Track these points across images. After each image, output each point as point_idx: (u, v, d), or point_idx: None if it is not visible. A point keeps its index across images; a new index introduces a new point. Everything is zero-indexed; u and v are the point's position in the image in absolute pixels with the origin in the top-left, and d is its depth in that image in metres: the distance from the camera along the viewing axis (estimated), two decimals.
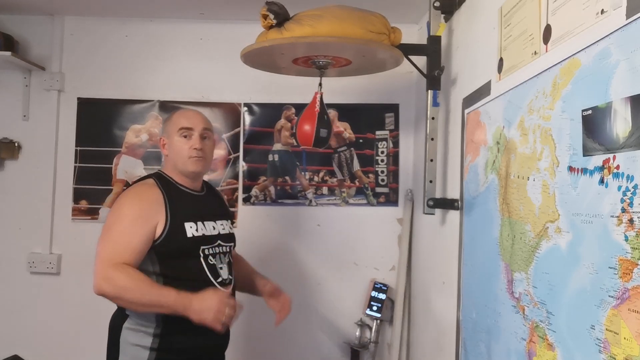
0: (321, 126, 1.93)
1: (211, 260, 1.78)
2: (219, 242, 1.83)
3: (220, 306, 1.63)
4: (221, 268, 1.80)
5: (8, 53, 2.43)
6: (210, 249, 1.79)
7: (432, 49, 1.91)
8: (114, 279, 1.62)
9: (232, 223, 2.00)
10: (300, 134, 1.96)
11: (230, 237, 1.90)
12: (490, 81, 1.56)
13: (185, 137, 1.80)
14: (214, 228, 1.84)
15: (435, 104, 1.90)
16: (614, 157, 0.92)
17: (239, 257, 2.08)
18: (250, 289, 2.02)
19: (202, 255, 1.76)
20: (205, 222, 1.81)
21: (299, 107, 2.60)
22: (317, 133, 1.93)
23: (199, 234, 1.77)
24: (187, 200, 1.82)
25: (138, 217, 1.69)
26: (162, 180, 1.82)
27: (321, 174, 2.68)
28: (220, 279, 1.78)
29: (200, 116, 1.88)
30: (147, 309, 1.65)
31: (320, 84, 2.01)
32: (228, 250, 1.87)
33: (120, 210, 1.74)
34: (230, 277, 1.83)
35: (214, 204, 1.96)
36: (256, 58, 1.96)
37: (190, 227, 1.75)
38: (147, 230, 1.68)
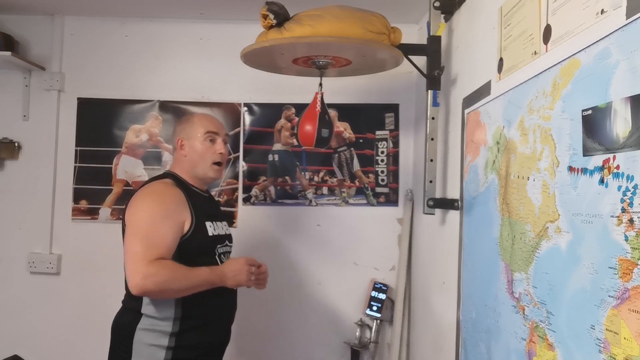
0: (322, 126, 1.94)
1: (223, 259, 1.85)
2: (226, 241, 1.90)
3: (248, 267, 1.77)
4: None
5: (8, 53, 2.43)
6: (222, 248, 1.86)
7: (432, 49, 1.91)
8: (156, 274, 1.61)
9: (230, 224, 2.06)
10: (302, 134, 1.97)
11: (231, 238, 1.96)
12: (490, 81, 1.56)
13: (210, 141, 1.84)
14: (222, 228, 1.90)
15: (435, 104, 1.90)
16: (614, 157, 0.92)
17: None
18: None
19: (216, 253, 1.83)
20: (216, 222, 1.87)
21: (299, 107, 2.61)
22: (319, 133, 1.94)
23: (216, 233, 1.83)
24: (201, 201, 1.86)
25: (168, 215, 1.70)
26: (176, 181, 1.83)
27: (321, 174, 2.68)
28: None
29: (220, 122, 1.95)
30: (188, 292, 1.69)
31: (320, 84, 2.01)
32: (231, 250, 1.94)
33: (147, 208, 1.72)
34: None
35: (217, 205, 2.06)
36: (256, 58, 1.96)
37: (209, 226, 1.81)
38: (177, 228, 1.71)
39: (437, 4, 1.92)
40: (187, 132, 1.87)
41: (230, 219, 2.59)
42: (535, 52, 1.26)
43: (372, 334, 2.58)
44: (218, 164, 1.86)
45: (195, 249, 1.74)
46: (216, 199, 2.46)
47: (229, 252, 1.91)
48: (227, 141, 1.92)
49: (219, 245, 1.83)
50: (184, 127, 1.89)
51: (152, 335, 1.70)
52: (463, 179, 1.75)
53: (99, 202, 2.63)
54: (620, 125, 0.91)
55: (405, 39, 1.93)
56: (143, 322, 1.71)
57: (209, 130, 1.85)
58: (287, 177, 2.68)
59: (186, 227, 1.73)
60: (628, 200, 0.87)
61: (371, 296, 2.58)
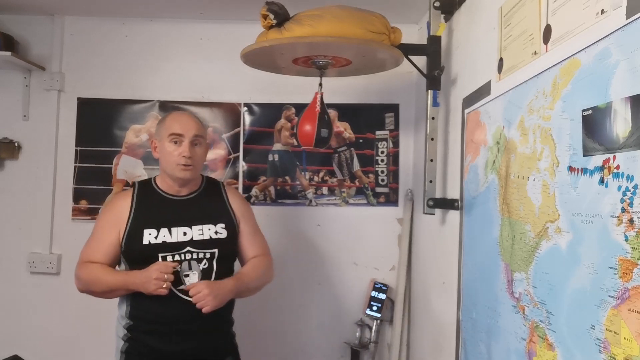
0: (322, 126, 1.95)
1: (192, 266, 1.77)
2: (188, 248, 1.78)
3: (156, 274, 1.68)
4: (187, 275, 1.76)
5: (8, 53, 2.43)
6: (173, 256, 1.76)
7: (432, 49, 1.91)
8: (80, 277, 1.81)
9: (233, 226, 1.88)
10: (302, 134, 1.97)
11: (210, 243, 1.81)
12: (490, 81, 1.56)
13: (175, 142, 1.79)
14: (185, 234, 1.79)
15: (435, 104, 1.90)
16: (614, 157, 0.92)
17: (249, 265, 1.93)
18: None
19: (161, 261, 1.75)
20: (172, 229, 1.79)
21: (299, 107, 2.61)
22: (318, 133, 1.94)
23: (158, 241, 1.77)
24: (158, 207, 1.84)
25: (105, 224, 1.84)
26: (143, 187, 1.89)
27: (321, 174, 2.68)
28: (183, 286, 1.74)
29: (192, 122, 1.83)
30: (112, 295, 1.80)
31: (320, 84, 2.01)
32: (205, 256, 1.79)
33: (97, 220, 1.93)
34: None
35: (200, 207, 1.86)
36: (256, 58, 1.96)
37: (150, 234, 1.78)
38: (113, 237, 1.81)
39: (437, 4, 1.92)
40: (158, 133, 1.86)
41: None
42: (535, 52, 1.26)
43: (372, 334, 2.58)
44: (185, 165, 1.78)
45: (131, 257, 1.80)
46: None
47: (201, 259, 1.78)
48: (199, 142, 1.81)
49: (162, 254, 1.75)
50: (157, 128, 1.89)
51: (118, 326, 1.84)
52: (463, 179, 1.75)
53: (99, 202, 2.63)
54: (620, 125, 0.91)
55: (405, 39, 1.93)
56: (117, 314, 1.87)
57: (172, 133, 1.79)
58: (287, 177, 2.68)
59: (120, 236, 1.80)
60: (628, 200, 0.87)
61: (371, 296, 2.58)
